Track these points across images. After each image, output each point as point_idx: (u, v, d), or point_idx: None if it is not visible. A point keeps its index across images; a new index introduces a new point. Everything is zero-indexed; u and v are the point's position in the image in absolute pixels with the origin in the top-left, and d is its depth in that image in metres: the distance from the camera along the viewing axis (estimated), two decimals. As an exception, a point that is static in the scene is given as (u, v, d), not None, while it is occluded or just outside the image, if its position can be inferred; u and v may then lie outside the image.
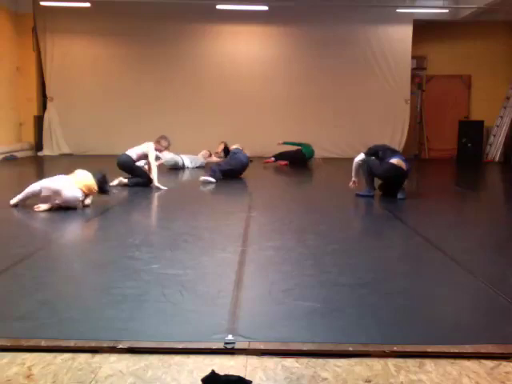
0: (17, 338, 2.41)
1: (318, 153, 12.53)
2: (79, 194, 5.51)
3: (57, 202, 5.41)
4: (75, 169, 5.78)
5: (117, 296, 2.96)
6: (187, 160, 10.20)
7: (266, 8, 11.54)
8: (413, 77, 12.97)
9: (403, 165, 6.44)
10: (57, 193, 5.38)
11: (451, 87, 13.28)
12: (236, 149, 8.96)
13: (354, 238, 4.68)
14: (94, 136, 12.26)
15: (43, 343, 2.36)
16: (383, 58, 12.70)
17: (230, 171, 8.49)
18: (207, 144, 11.27)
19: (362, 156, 6.63)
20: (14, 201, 5.52)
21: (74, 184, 5.50)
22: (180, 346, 2.35)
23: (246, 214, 5.47)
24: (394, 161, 6.42)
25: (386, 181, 6.70)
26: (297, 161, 11.00)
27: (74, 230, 4.85)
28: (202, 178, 8.14)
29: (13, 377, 2.12)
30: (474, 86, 13.23)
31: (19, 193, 5.61)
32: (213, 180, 8.06)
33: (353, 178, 6.77)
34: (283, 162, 11.07)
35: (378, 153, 6.60)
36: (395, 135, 12.88)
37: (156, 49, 12.44)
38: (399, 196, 6.49)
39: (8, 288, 3.17)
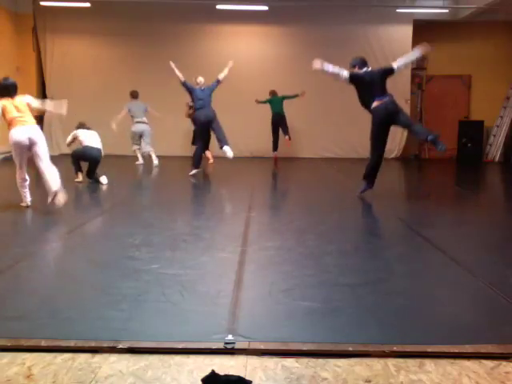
0: (17, 337, 2.41)
1: (319, 152, 12.56)
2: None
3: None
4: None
5: (116, 296, 2.96)
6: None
7: (266, 8, 11.54)
8: (413, 77, 12.96)
9: (385, 100, 6.23)
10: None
11: (451, 87, 13.27)
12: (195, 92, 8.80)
13: (353, 238, 4.67)
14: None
15: (43, 343, 2.36)
16: (383, 58, 12.66)
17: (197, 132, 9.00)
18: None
19: (346, 74, 6.28)
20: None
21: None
22: (180, 346, 2.35)
23: (246, 214, 5.47)
24: (375, 104, 6.25)
25: (386, 124, 6.32)
26: (279, 122, 11.31)
27: (73, 230, 4.85)
28: (191, 173, 8.52)
29: (13, 377, 2.12)
30: (473, 86, 13.23)
31: (19, 193, 5.61)
32: (197, 170, 8.47)
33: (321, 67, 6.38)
34: (275, 156, 11.34)
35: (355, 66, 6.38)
36: (395, 135, 12.86)
37: (156, 49, 12.42)
38: (440, 147, 6.06)
39: (8, 288, 3.17)
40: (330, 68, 6.37)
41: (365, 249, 4.25)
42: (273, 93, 11.47)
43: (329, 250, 4.08)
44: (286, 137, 11.33)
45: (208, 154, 11.15)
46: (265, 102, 11.39)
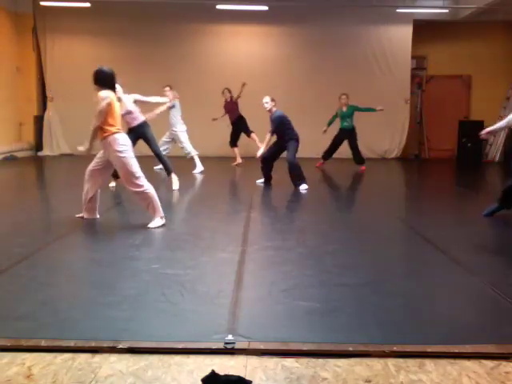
0: (17, 338, 2.42)
1: (319, 152, 12.55)
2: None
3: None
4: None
5: (117, 296, 2.96)
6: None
7: (266, 8, 11.54)
8: (413, 77, 12.96)
9: None
10: None
11: (451, 87, 13.26)
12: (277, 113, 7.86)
13: (353, 238, 4.67)
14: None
15: (43, 343, 2.36)
16: (383, 58, 12.69)
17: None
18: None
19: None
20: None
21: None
22: (180, 346, 2.35)
23: (246, 214, 5.47)
24: None
25: None
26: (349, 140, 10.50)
27: (73, 231, 4.85)
28: (302, 189, 7.48)
29: (13, 377, 2.12)
30: (474, 86, 13.23)
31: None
32: (306, 186, 7.47)
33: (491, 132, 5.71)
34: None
35: None
36: (395, 135, 12.88)
37: (156, 49, 12.44)
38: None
39: (8, 288, 3.17)
40: (497, 127, 5.77)
41: (365, 249, 4.25)
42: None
43: (329, 249, 4.08)
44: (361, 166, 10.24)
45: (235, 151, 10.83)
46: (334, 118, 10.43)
